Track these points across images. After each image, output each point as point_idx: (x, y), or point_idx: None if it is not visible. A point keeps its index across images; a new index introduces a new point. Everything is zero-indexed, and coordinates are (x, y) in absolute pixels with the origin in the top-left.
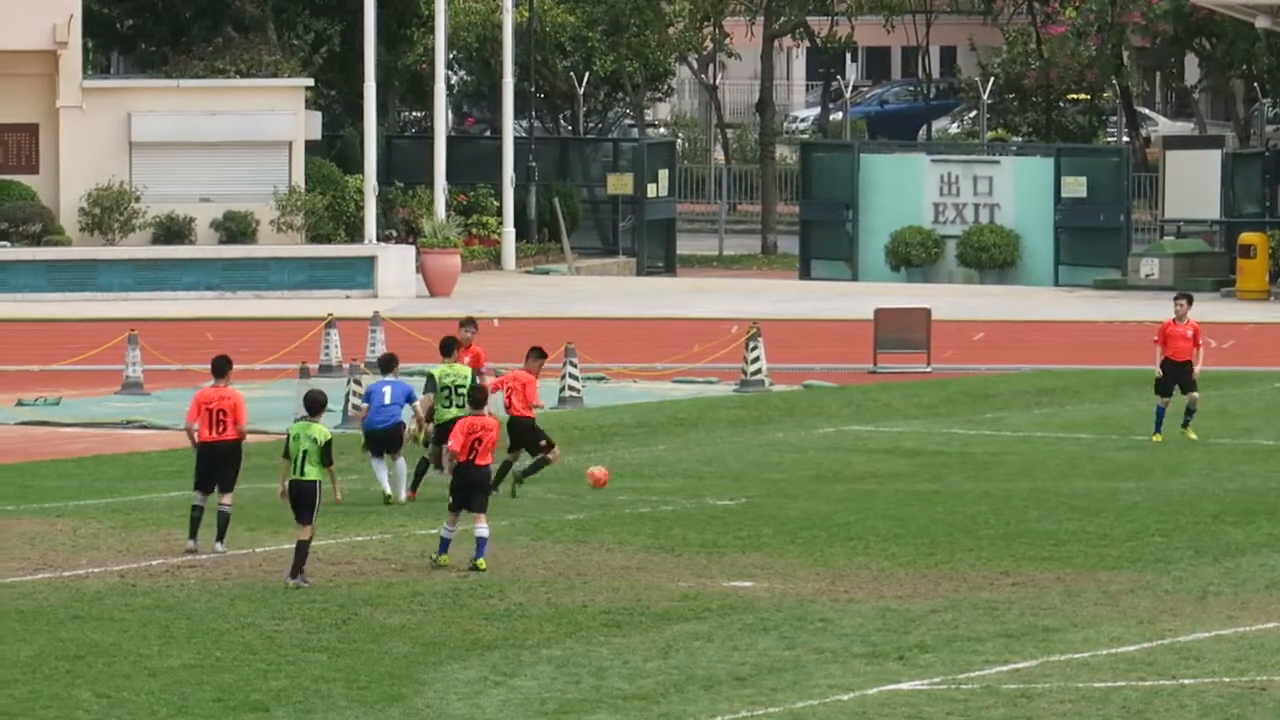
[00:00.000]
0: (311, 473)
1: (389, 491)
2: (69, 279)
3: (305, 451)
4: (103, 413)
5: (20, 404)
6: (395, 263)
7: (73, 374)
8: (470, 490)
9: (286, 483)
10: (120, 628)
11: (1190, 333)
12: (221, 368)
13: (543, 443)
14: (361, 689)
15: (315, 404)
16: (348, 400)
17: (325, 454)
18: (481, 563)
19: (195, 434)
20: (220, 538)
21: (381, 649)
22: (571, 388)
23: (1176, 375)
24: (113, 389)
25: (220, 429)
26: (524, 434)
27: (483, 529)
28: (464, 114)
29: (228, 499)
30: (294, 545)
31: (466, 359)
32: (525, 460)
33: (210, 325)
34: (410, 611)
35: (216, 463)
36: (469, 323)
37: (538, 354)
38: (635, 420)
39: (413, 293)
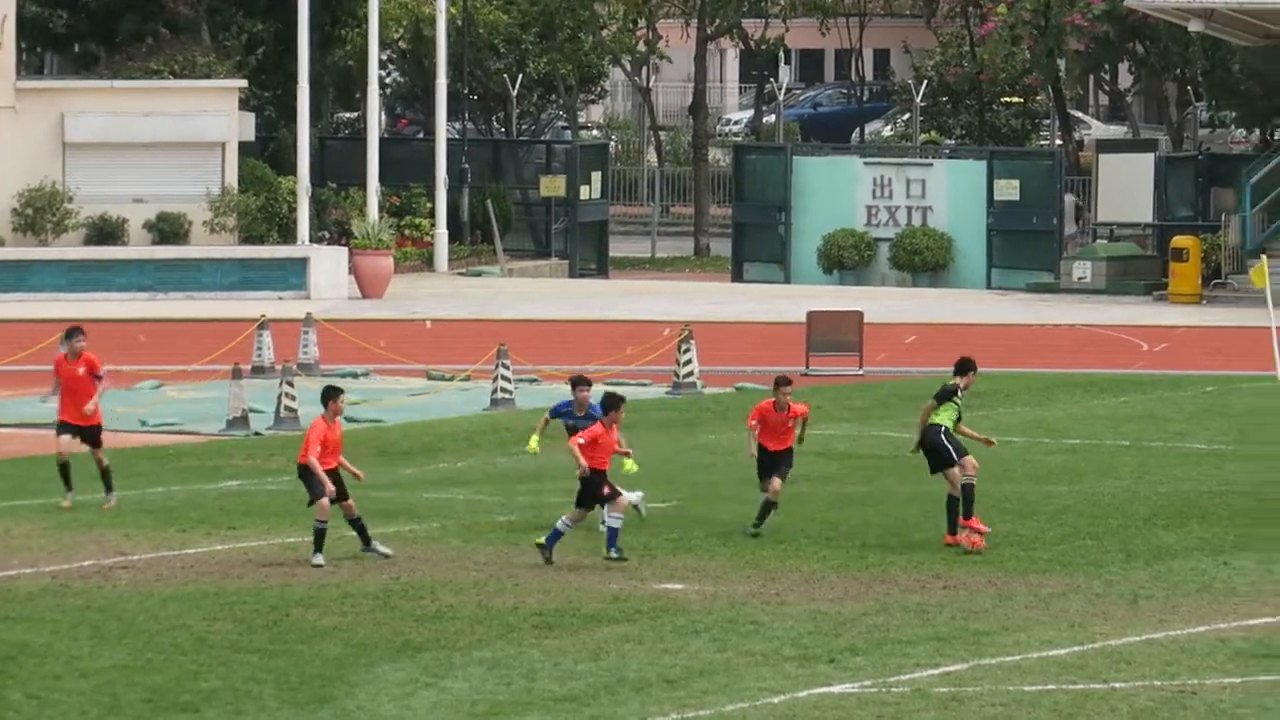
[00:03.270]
0: None
1: None
2: (1, 279)
3: None
4: (35, 413)
5: None
6: (328, 264)
7: (5, 374)
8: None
9: None
10: (52, 629)
11: None
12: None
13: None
14: (292, 690)
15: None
16: (280, 401)
17: None
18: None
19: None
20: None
21: (313, 650)
22: (504, 389)
23: None
24: (46, 390)
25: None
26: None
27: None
28: (397, 115)
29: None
30: None
31: (81, 369)
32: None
33: (143, 326)
34: (341, 613)
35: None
36: (76, 332)
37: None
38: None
39: (345, 294)
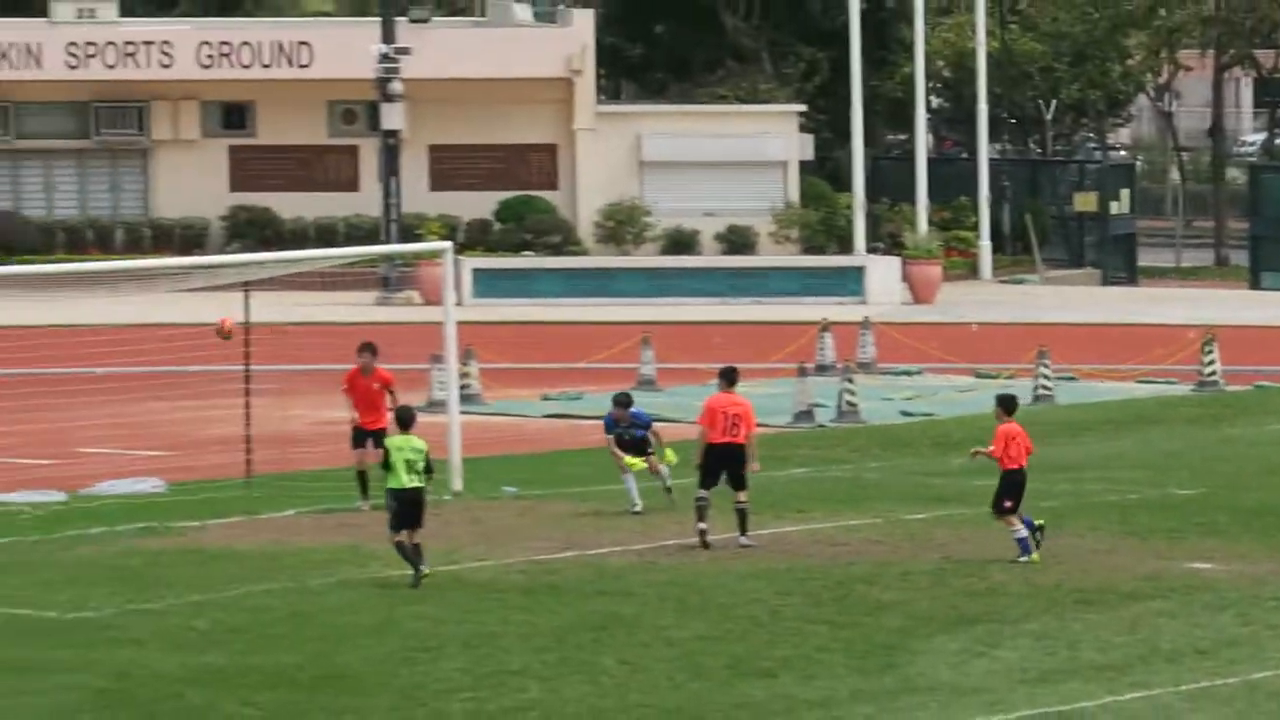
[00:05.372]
0: (416, 480)
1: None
2: (586, 285)
3: (408, 461)
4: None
5: (545, 398)
6: (882, 272)
7: (592, 372)
8: (727, 464)
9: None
10: (640, 601)
11: None
12: (732, 377)
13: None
14: (859, 658)
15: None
16: (841, 397)
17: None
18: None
19: (706, 435)
20: (744, 532)
21: (876, 622)
22: (1044, 387)
23: None
24: (629, 386)
25: (734, 432)
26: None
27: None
28: (942, 137)
29: (743, 498)
30: (410, 546)
31: (376, 385)
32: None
33: (715, 329)
34: (901, 589)
35: (727, 461)
36: (368, 348)
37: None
38: (1102, 417)
39: (898, 299)
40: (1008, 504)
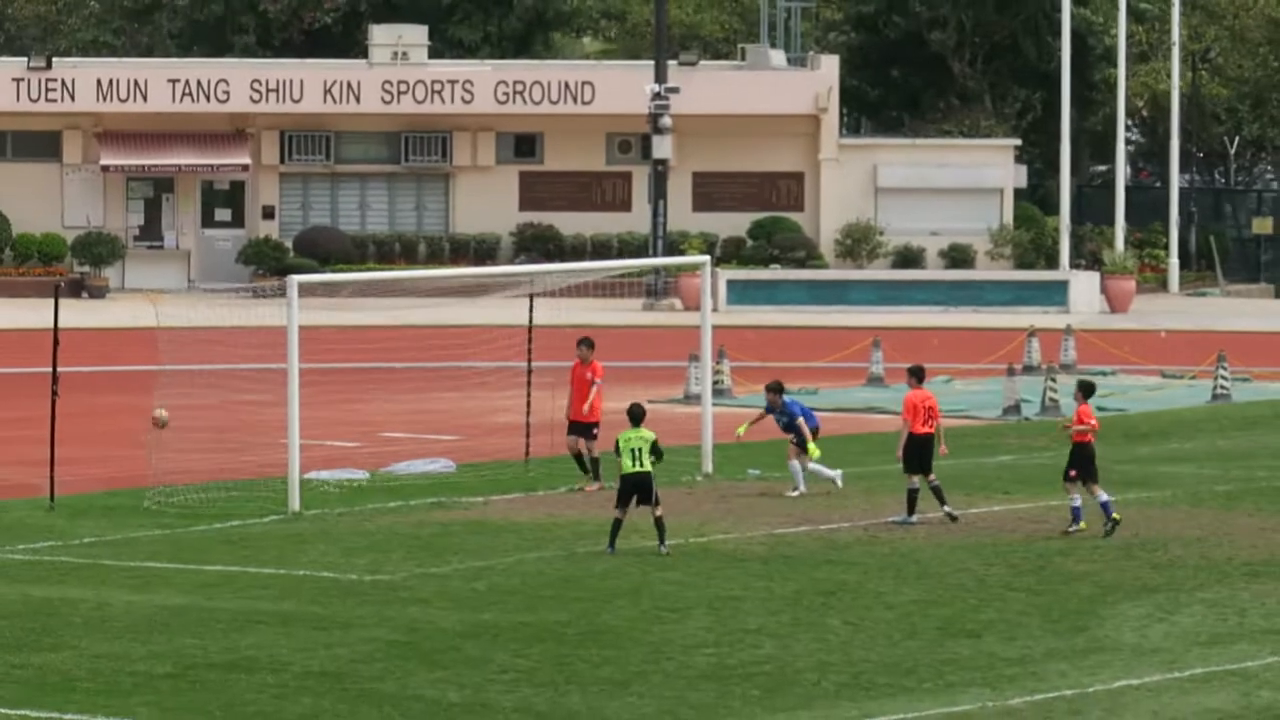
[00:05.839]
0: (640, 466)
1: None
2: (825, 294)
3: (635, 450)
4: (850, 400)
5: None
6: (1083, 286)
7: (828, 370)
8: (923, 452)
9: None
10: (863, 570)
11: None
12: (921, 374)
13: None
14: (1054, 621)
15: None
16: (1045, 394)
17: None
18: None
19: (910, 427)
20: (943, 503)
21: (1070, 590)
22: (1222, 386)
23: None
24: (859, 383)
25: (929, 424)
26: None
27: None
28: (1138, 168)
29: (933, 477)
30: (654, 518)
31: (589, 373)
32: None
33: (935, 333)
34: (1092, 561)
35: (923, 449)
36: (586, 341)
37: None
38: (1272, 413)
39: (1096, 310)
40: (1073, 474)
